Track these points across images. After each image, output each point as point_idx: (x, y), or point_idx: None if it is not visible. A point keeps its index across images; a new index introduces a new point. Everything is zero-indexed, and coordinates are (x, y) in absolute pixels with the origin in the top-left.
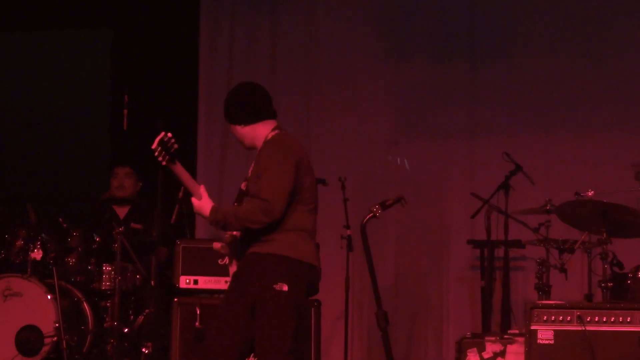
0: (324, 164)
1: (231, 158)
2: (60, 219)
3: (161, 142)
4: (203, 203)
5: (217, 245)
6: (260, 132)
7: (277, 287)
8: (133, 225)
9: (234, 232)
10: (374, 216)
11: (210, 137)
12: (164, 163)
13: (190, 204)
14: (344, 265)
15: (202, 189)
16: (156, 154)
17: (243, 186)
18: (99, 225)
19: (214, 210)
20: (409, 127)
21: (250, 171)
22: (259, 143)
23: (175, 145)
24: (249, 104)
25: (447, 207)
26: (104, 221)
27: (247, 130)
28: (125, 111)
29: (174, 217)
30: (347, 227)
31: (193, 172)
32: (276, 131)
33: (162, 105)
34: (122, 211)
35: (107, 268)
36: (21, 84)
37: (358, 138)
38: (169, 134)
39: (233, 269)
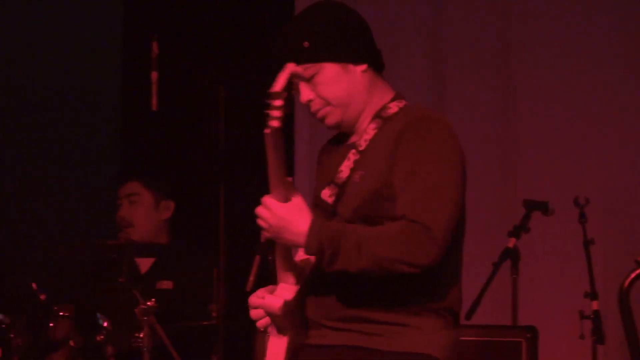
0: (540, 174)
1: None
2: (34, 285)
3: (283, 91)
4: (290, 209)
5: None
6: (373, 89)
7: None
8: (160, 285)
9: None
10: None
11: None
12: (270, 129)
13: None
14: None
15: (289, 182)
16: (273, 106)
17: (327, 195)
18: (107, 297)
19: (316, 226)
20: None
21: (342, 167)
22: (354, 113)
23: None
24: (355, 31)
25: None
26: (117, 289)
27: (348, 79)
28: (155, 75)
29: (251, 278)
30: (593, 295)
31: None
32: (403, 102)
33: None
34: (145, 263)
35: None
36: None
37: (607, 122)
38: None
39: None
